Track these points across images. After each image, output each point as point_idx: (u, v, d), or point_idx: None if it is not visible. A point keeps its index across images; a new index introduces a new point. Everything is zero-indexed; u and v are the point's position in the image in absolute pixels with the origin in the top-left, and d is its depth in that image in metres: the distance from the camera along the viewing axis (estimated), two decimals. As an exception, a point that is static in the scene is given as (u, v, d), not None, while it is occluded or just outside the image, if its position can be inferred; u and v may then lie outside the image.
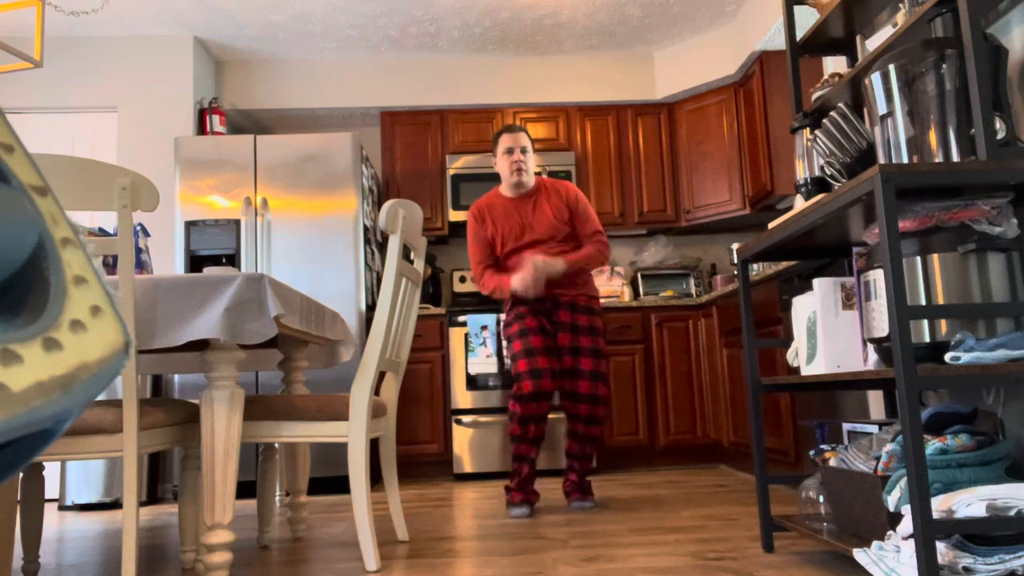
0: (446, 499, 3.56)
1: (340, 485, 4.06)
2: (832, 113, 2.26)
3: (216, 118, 4.55)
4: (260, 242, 4.12)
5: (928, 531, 1.42)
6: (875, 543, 1.64)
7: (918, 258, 1.67)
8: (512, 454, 3.08)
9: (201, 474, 2.16)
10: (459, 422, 4.35)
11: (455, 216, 4.79)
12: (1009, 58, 1.94)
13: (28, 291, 0.45)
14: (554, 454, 4.34)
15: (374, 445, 4.26)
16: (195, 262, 4.09)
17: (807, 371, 2.04)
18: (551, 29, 4.66)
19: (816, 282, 1.97)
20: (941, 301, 1.64)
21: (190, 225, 4.11)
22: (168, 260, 4.39)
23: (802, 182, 2.42)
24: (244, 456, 3.97)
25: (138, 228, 2.67)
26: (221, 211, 4.12)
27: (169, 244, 4.38)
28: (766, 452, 3.60)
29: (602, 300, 4.78)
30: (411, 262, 4.50)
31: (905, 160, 1.82)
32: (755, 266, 4.26)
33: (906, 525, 1.55)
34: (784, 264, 3.30)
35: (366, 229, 4.29)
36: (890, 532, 1.66)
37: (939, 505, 1.55)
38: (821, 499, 2.16)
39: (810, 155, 2.42)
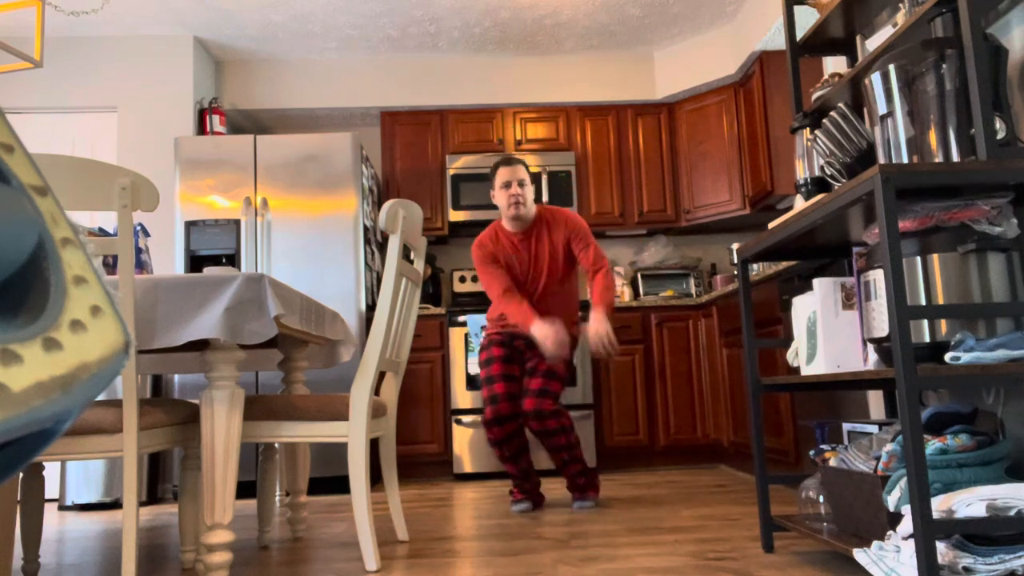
0: (446, 499, 3.56)
1: (340, 485, 4.06)
2: (832, 113, 2.26)
3: (216, 118, 4.55)
4: (260, 242, 4.12)
5: (928, 531, 1.42)
6: (875, 543, 1.64)
7: (918, 258, 1.67)
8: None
9: (201, 474, 2.16)
10: (459, 422, 4.35)
11: (455, 216, 4.79)
12: (1009, 58, 1.94)
13: (28, 291, 0.45)
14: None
15: (374, 445, 4.25)
16: (195, 262, 4.09)
17: (807, 371, 2.04)
18: (551, 29, 4.66)
19: (816, 282, 1.97)
20: (941, 301, 1.64)
21: (190, 225, 4.11)
22: (168, 260, 4.39)
23: (802, 182, 2.42)
24: (244, 456, 3.97)
25: (138, 228, 2.67)
26: (221, 211, 4.12)
27: (169, 244, 4.38)
28: (766, 452, 3.60)
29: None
30: (411, 262, 4.51)
31: (905, 160, 1.82)
32: (755, 266, 4.26)
33: (906, 525, 1.55)
34: (784, 264, 3.30)
35: (366, 229, 4.29)
36: (890, 532, 1.66)
37: (939, 505, 1.55)
38: (821, 499, 2.16)
39: (810, 155, 2.42)
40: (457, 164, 4.81)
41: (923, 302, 1.66)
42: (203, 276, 1.92)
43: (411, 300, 2.56)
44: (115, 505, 3.85)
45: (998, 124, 1.77)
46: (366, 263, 4.24)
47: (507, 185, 3.15)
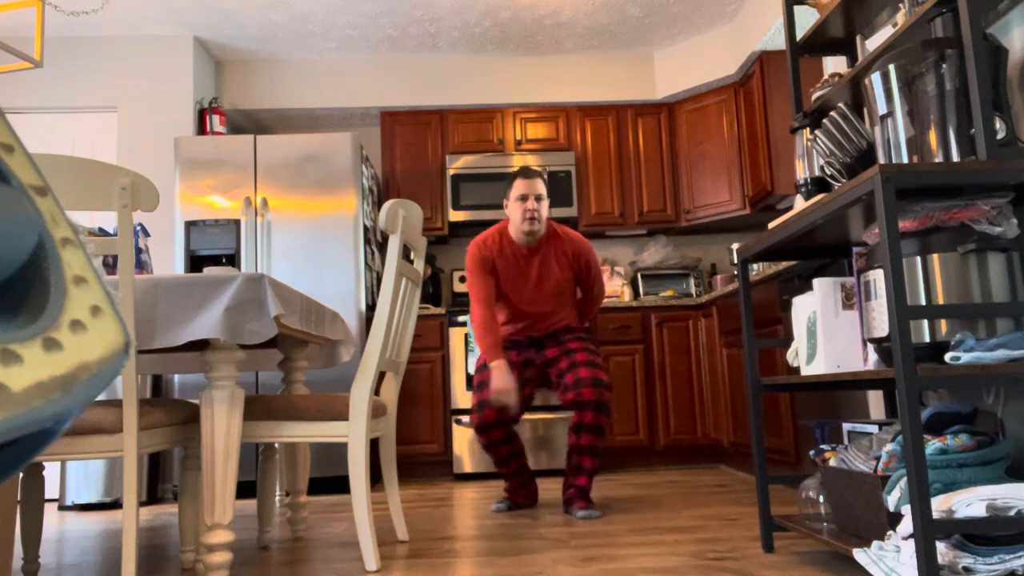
0: (446, 499, 3.56)
1: (340, 485, 4.06)
2: (832, 113, 2.26)
3: (216, 118, 4.55)
4: (260, 242, 4.12)
5: (928, 531, 1.42)
6: (875, 543, 1.64)
7: (918, 258, 1.67)
8: None
9: (201, 474, 2.16)
10: (459, 422, 4.34)
11: (455, 216, 4.79)
12: (1009, 58, 1.94)
13: (28, 291, 0.45)
14: (554, 457, 4.34)
15: (374, 445, 4.25)
16: (195, 262, 4.09)
17: (807, 371, 2.04)
18: (551, 29, 4.66)
19: (816, 282, 1.97)
20: (941, 301, 1.64)
21: (190, 225, 4.11)
22: (168, 260, 4.39)
23: (802, 182, 2.42)
24: (244, 456, 3.97)
25: (138, 228, 2.67)
26: (221, 211, 4.12)
27: (169, 244, 4.38)
28: (766, 452, 3.60)
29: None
30: (411, 262, 4.51)
31: (905, 160, 1.82)
32: (755, 266, 4.26)
33: (906, 525, 1.55)
34: (784, 264, 3.30)
35: (366, 229, 4.29)
36: (890, 532, 1.66)
37: (939, 505, 1.55)
38: (821, 499, 2.16)
39: (810, 155, 2.42)
40: (457, 164, 4.81)
41: (923, 302, 1.66)
42: (203, 276, 1.92)
43: (411, 300, 2.56)
44: (115, 505, 3.85)
45: (998, 124, 1.77)
46: (366, 263, 4.24)
47: (523, 198, 3.05)
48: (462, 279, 4.97)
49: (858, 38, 2.43)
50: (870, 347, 1.86)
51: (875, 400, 2.63)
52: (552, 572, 2.01)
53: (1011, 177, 1.54)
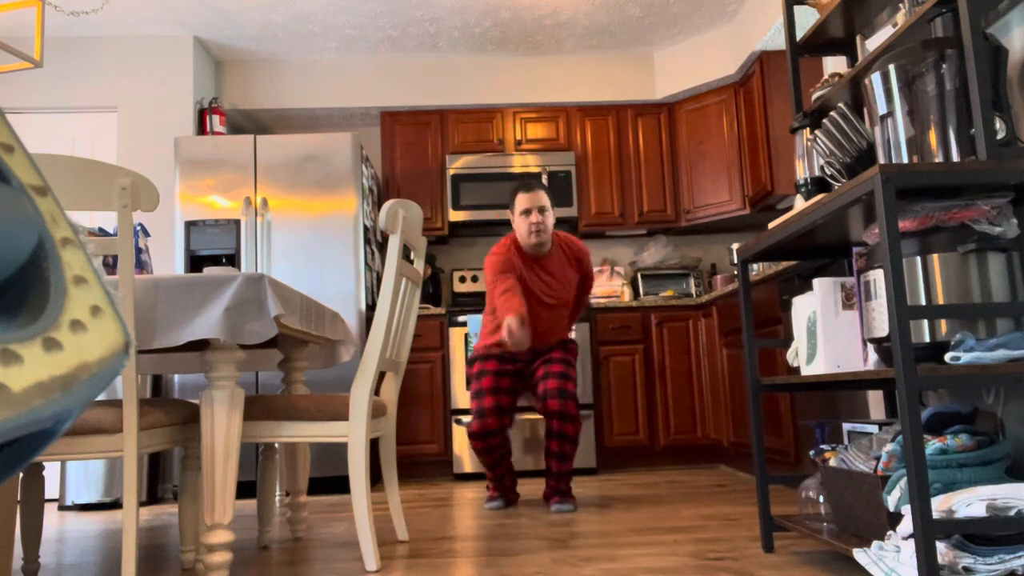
0: (446, 499, 3.56)
1: (340, 485, 4.06)
2: (832, 113, 2.26)
3: (216, 118, 4.55)
4: (260, 242, 4.12)
5: (928, 531, 1.42)
6: (875, 543, 1.64)
7: (918, 258, 1.67)
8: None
9: (201, 474, 2.16)
10: (459, 422, 4.35)
11: (455, 216, 4.79)
12: (1009, 58, 1.94)
13: (28, 291, 0.45)
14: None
15: (374, 445, 4.25)
16: (195, 262, 4.09)
17: (807, 371, 2.04)
18: (551, 29, 4.66)
19: (816, 282, 1.97)
20: (941, 301, 1.64)
21: (190, 225, 4.11)
22: (168, 260, 4.39)
23: (802, 182, 2.42)
24: (244, 456, 3.97)
25: (138, 228, 2.67)
26: (221, 211, 4.12)
27: (169, 244, 4.38)
28: (766, 452, 3.60)
29: (602, 300, 4.79)
30: (411, 262, 4.50)
31: (905, 160, 1.82)
32: (755, 266, 4.26)
33: (906, 525, 1.55)
34: (784, 264, 3.30)
35: (366, 229, 4.29)
36: (890, 532, 1.66)
37: (939, 505, 1.55)
38: (821, 499, 2.16)
39: (810, 155, 2.42)
40: (457, 164, 4.81)
41: (923, 302, 1.66)
42: (203, 276, 1.92)
43: (411, 300, 2.56)
44: (115, 505, 3.85)
45: (998, 124, 1.77)
46: (366, 263, 4.24)
47: (527, 212, 3.13)
48: (462, 279, 4.97)
49: (858, 38, 2.43)
50: (870, 347, 1.86)
51: (875, 400, 2.63)
52: (552, 572, 2.01)
53: (1011, 177, 1.54)
